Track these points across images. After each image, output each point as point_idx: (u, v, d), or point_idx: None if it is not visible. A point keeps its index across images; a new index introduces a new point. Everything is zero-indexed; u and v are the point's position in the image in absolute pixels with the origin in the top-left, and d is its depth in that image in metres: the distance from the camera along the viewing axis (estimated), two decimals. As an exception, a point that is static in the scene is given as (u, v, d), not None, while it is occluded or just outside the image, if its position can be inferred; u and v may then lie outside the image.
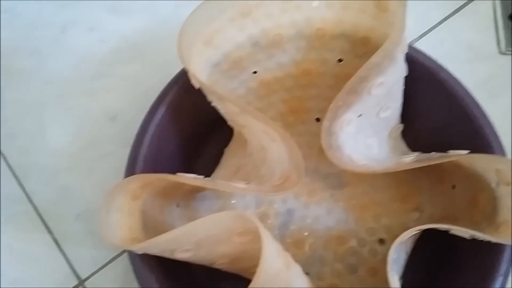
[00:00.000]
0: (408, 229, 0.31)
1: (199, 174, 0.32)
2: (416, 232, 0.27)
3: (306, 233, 0.33)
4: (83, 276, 0.33)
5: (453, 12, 0.40)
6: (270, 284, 0.24)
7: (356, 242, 0.32)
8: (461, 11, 0.40)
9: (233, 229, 0.25)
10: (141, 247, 0.25)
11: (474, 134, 0.30)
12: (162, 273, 0.28)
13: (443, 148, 0.31)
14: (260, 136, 0.31)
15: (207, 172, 0.34)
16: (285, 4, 0.32)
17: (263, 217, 0.33)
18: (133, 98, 0.38)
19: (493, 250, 0.28)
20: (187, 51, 0.29)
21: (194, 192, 0.33)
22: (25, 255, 0.34)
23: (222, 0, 0.30)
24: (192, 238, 0.25)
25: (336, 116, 0.30)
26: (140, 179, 0.27)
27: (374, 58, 0.28)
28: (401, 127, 0.34)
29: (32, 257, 0.34)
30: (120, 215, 0.26)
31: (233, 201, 0.34)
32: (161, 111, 0.31)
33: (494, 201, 0.28)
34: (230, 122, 0.33)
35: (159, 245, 0.25)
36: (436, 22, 0.40)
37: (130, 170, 0.30)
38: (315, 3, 0.32)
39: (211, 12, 0.30)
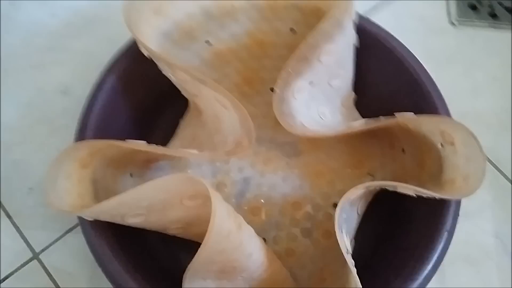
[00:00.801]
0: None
1: (156, 144, 0.32)
2: (364, 189, 0.27)
3: (262, 200, 0.33)
4: (38, 249, 0.33)
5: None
6: (221, 245, 0.24)
7: (311, 208, 0.33)
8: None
9: (183, 193, 0.25)
10: (89, 212, 0.25)
11: (421, 98, 0.31)
12: (115, 240, 0.27)
13: (392, 114, 0.32)
14: (213, 104, 0.31)
15: (164, 143, 0.34)
16: (236, -27, 0.32)
17: (219, 186, 0.34)
18: (85, 71, 0.37)
19: (439, 207, 0.29)
20: (135, 19, 0.29)
21: (149, 162, 0.33)
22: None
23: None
24: (142, 203, 0.25)
25: (287, 83, 0.30)
26: (89, 145, 0.26)
27: (322, 25, 0.28)
28: (353, 95, 0.34)
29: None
30: (68, 182, 0.26)
31: (189, 171, 0.34)
32: (110, 80, 0.31)
33: (440, 161, 0.29)
34: (183, 92, 0.33)
35: (108, 210, 0.25)
36: (387, -6, 0.41)
37: (79, 139, 0.29)
38: (266, -27, 0.32)
39: (160, -21, 0.30)
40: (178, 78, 0.30)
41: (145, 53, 0.29)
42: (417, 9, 0.41)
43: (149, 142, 0.33)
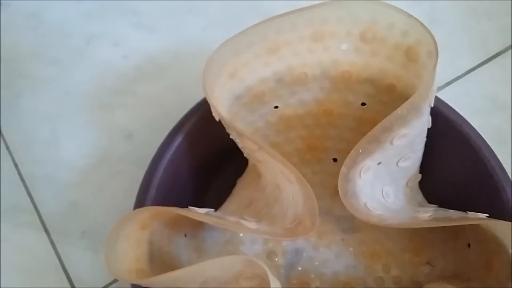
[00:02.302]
0: (417, 283, 0.31)
1: (211, 202, 0.31)
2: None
3: (312, 276, 0.32)
4: (82, 296, 0.33)
5: (481, 63, 0.40)
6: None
7: (363, 291, 0.32)
8: (489, 63, 0.40)
9: (241, 273, 0.24)
10: (146, 283, 0.24)
11: (494, 194, 0.30)
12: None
13: (460, 203, 0.30)
14: (276, 175, 0.30)
15: (219, 200, 0.33)
16: (314, 44, 0.31)
17: (270, 255, 0.33)
18: (151, 118, 0.38)
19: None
20: (211, 82, 0.29)
21: (203, 222, 0.32)
22: (27, 267, 0.34)
23: (251, 35, 0.30)
24: (199, 278, 0.25)
25: (355, 163, 0.29)
26: (151, 210, 0.26)
27: (400, 110, 0.28)
28: (419, 177, 0.33)
29: (33, 270, 0.34)
30: (127, 244, 0.26)
31: (240, 234, 0.33)
32: (178, 139, 0.31)
33: (510, 268, 0.27)
34: (246, 155, 0.33)
35: (165, 282, 0.25)
36: (462, 72, 0.39)
37: (142, 197, 0.29)
38: (343, 46, 0.31)
39: (239, 46, 0.30)
40: (245, 146, 0.30)
41: (217, 117, 0.29)
42: (490, 90, 0.39)
43: (205, 197, 0.33)
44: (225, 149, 0.33)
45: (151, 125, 0.38)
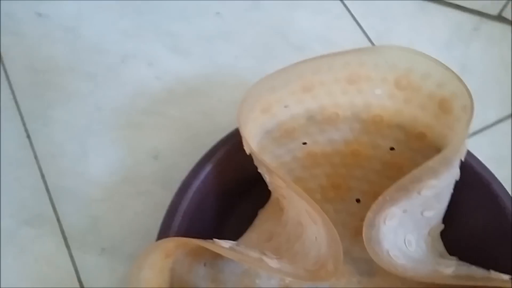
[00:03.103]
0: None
1: (231, 230, 0.31)
2: None
3: (327, 316, 0.32)
4: (97, 314, 0.33)
5: (509, 115, 0.40)
6: None
7: (377, 338, 0.31)
8: (518, 115, 0.40)
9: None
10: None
11: (517, 254, 0.29)
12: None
13: (481, 256, 0.30)
14: (300, 212, 0.30)
15: (240, 230, 0.34)
16: (348, 86, 0.32)
17: (286, 291, 0.33)
18: (178, 140, 0.39)
19: None
20: (245, 116, 0.30)
21: (223, 252, 0.32)
22: (44, 279, 0.34)
23: (289, 73, 0.30)
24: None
25: (381, 209, 0.29)
26: (176, 241, 0.26)
27: (432, 163, 0.28)
28: (441, 226, 0.33)
29: (51, 282, 0.34)
30: (151, 272, 0.26)
31: (258, 267, 0.33)
32: (207, 168, 0.31)
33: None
34: (271, 189, 0.33)
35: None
36: (490, 123, 0.39)
37: (168, 224, 0.29)
38: (377, 91, 0.32)
39: (275, 83, 0.30)
40: (273, 181, 0.30)
41: (247, 151, 0.29)
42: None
43: (226, 225, 0.33)
44: (250, 178, 0.33)
45: (178, 147, 0.38)
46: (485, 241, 0.32)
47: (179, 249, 0.27)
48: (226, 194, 0.34)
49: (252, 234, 0.34)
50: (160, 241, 0.26)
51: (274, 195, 0.34)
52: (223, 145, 0.32)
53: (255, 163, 0.30)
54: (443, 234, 0.33)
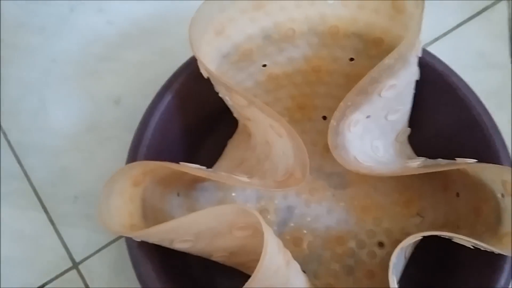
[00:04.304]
0: (408, 234, 0.31)
1: (201, 164, 0.31)
2: (419, 238, 0.26)
3: (305, 231, 0.33)
4: (78, 259, 0.33)
5: (467, 18, 0.40)
6: (269, 280, 0.23)
7: (355, 244, 0.32)
8: (476, 18, 0.40)
9: (234, 223, 0.25)
10: (140, 235, 0.25)
11: (482, 143, 0.30)
12: (159, 262, 0.27)
13: (449, 155, 0.31)
14: (266, 131, 0.30)
15: (209, 162, 0.34)
16: (300, -2, 0.31)
17: (262, 212, 0.33)
18: (138, 83, 0.38)
19: (493, 261, 0.27)
20: (198, 39, 0.29)
21: (195, 182, 0.32)
22: (21, 234, 0.34)
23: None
24: (192, 229, 0.25)
25: (344, 115, 0.29)
26: (143, 166, 0.26)
27: (387, 60, 0.28)
28: (408, 131, 0.33)
29: (27, 236, 0.34)
30: (120, 200, 0.26)
31: (233, 194, 0.33)
32: (167, 98, 0.31)
33: (498, 211, 0.27)
34: (235, 115, 0.33)
35: (158, 234, 0.25)
36: (450, 28, 0.39)
37: (133, 156, 0.29)
38: (330, 1, 0.31)
39: (223, 1, 0.30)
40: (234, 102, 0.30)
41: (205, 74, 0.29)
42: (478, 45, 0.39)
43: (195, 158, 0.33)
44: (215, 111, 0.32)
45: (139, 90, 0.38)
46: (452, 138, 0.32)
47: (147, 177, 0.27)
48: (192, 127, 0.33)
49: (222, 162, 0.34)
50: (125, 167, 0.26)
51: (241, 122, 0.34)
52: (181, 74, 0.31)
53: (215, 87, 0.30)
54: (411, 138, 0.34)
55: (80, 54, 0.39)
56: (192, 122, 0.33)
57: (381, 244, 0.32)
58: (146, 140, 0.29)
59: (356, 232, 0.33)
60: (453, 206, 0.31)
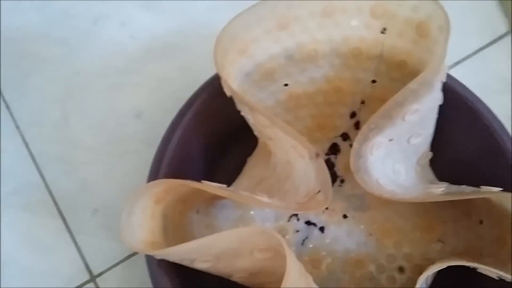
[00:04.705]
0: (429, 259, 0.31)
1: (221, 181, 0.31)
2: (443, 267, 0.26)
3: (324, 253, 0.32)
4: (95, 272, 0.33)
5: (489, 43, 0.39)
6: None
7: (374, 268, 0.32)
8: (498, 42, 0.39)
9: (256, 245, 0.25)
10: (161, 253, 0.24)
11: (506, 170, 0.30)
12: (178, 280, 0.27)
13: (471, 180, 0.30)
14: (287, 151, 0.30)
15: (229, 180, 0.34)
16: (323, 20, 0.31)
17: (281, 232, 0.33)
18: (160, 97, 0.38)
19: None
20: (222, 58, 0.29)
21: (214, 199, 0.32)
22: (39, 244, 0.34)
23: (262, 10, 0.30)
24: (213, 250, 0.25)
25: (367, 138, 0.29)
26: (166, 184, 0.26)
27: (412, 85, 0.27)
28: (430, 154, 0.33)
29: (46, 247, 0.34)
30: (142, 217, 0.26)
31: (251, 212, 0.33)
32: (189, 116, 0.31)
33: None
34: (256, 133, 0.33)
35: (179, 253, 0.25)
36: (472, 51, 0.39)
37: (154, 173, 0.29)
38: (354, 22, 0.31)
39: (248, 21, 0.30)
40: (256, 121, 0.30)
41: (228, 93, 0.29)
42: (499, 69, 0.39)
43: (215, 176, 0.33)
44: (235, 128, 0.33)
45: (160, 105, 0.38)
46: (474, 165, 0.32)
47: (168, 195, 0.27)
48: (212, 144, 0.34)
49: (243, 180, 0.34)
50: (148, 184, 0.26)
51: (261, 140, 0.34)
52: (203, 93, 0.32)
53: (237, 106, 0.30)
54: (433, 163, 0.34)
55: (102, 67, 0.39)
56: (212, 139, 0.33)
57: (401, 269, 0.32)
58: (168, 157, 0.29)
59: (375, 255, 0.32)
60: (476, 233, 0.31)
